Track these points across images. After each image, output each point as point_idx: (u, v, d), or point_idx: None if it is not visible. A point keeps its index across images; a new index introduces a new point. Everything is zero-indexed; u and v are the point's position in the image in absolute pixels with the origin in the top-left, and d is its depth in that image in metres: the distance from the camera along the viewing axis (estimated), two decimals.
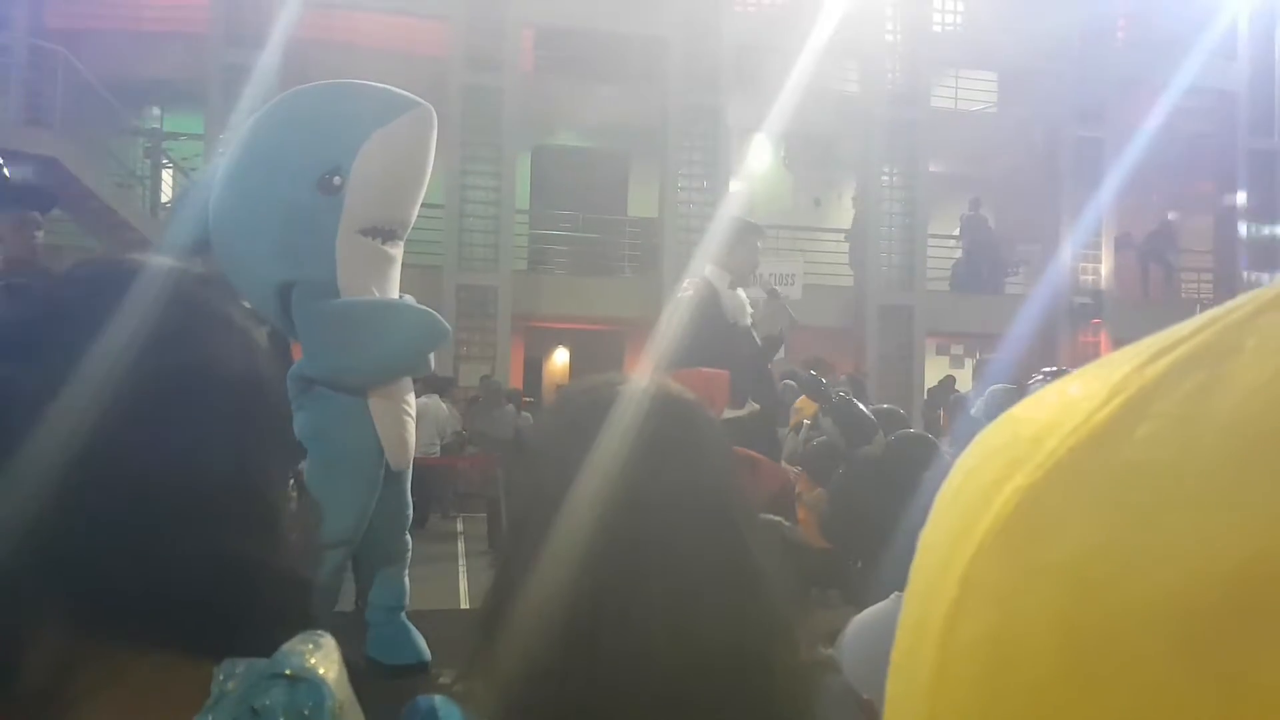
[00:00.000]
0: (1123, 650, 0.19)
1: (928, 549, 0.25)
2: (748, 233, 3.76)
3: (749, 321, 3.66)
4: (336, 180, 2.35)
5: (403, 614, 2.65)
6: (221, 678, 0.47)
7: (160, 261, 0.58)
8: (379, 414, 2.46)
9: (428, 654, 2.55)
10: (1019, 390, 6.54)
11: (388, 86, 2.50)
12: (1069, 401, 0.23)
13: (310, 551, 0.58)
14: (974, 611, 0.22)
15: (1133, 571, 0.19)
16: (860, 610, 1.63)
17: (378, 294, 2.47)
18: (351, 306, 2.41)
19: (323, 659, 0.50)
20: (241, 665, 0.48)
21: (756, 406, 3.51)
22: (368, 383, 2.44)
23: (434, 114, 2.49)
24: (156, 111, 12.96)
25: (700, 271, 3.68)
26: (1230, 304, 0.23)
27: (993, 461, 0.24)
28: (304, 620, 0.54)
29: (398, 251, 2.53)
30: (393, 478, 2.56)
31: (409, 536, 2.73)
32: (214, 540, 0.49)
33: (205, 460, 0.50)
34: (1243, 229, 14.11)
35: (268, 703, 0.46)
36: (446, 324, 2.61)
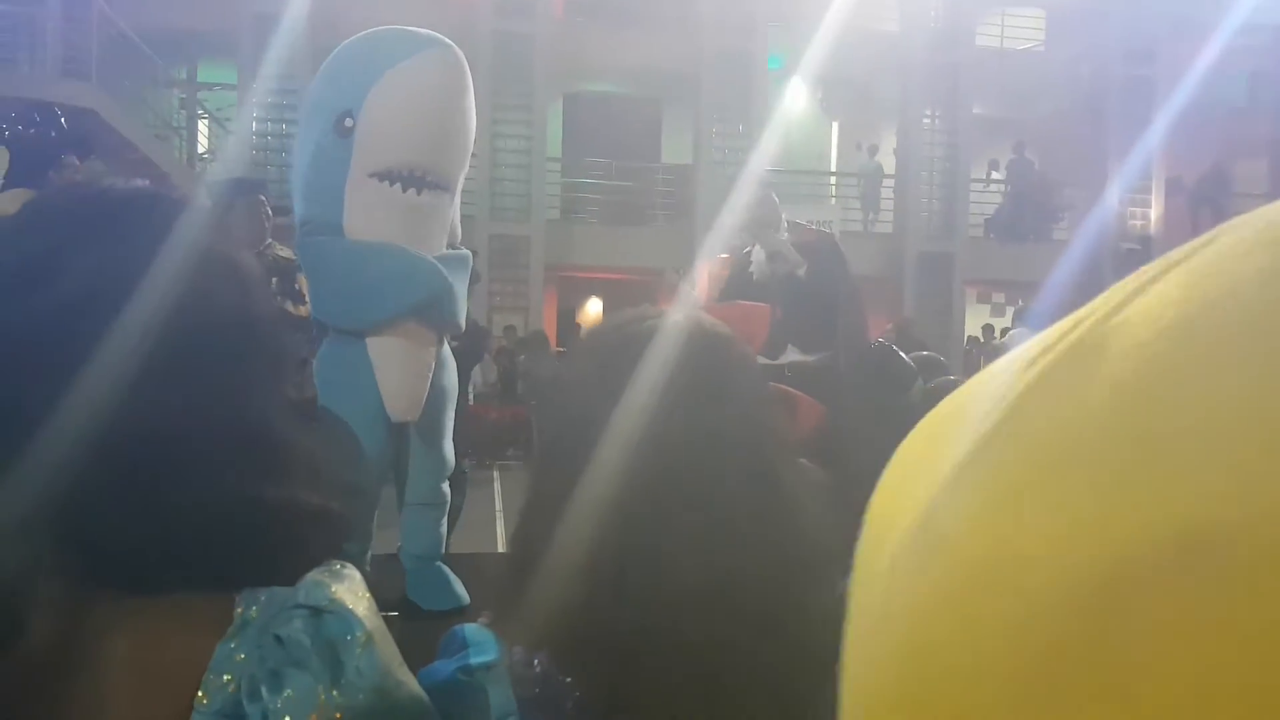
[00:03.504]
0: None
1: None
2: (762, 192, 3.75)
3: (784, 271, 3.61)
4: (349, 122, 2.33)
5: (438, 561, 2.66)
6: (243, 607, 0.47)
7: (173, 197, 0.57)
8: (381, 362, 2.42)
9: (466, 598, 2.57)
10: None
11: (415, 29, 2.44)
12: (957, 414, 0.24)
13: (334, 487, 0.57)
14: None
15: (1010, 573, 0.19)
16: None
17: (397, 243, 2.41)
18: (338, 245, 2.38)
19: (347, 590, 0.49)
20: (264, 594, 0.47)
21: (822, 353, 3.48)
22: (354, 325, 2.42)
23: (457, 53, 2.39)
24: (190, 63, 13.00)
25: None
26: (1094, 302, 0.23)
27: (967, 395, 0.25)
28: (330, 552, 0.53)
29: (430, 202, 2.43)
30: (411, 426, 2.55)
31: (445, 486, 2.73)
32: (219, 481, 0.49)
33: (206, 401, 0.49)
34: None
35: (291, 632, 0.46)
36: (445, 276, 2.48)
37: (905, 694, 0.21)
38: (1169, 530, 0.17)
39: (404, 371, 2.46)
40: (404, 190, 2.36)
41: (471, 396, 8.77)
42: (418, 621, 2.44)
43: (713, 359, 0.77)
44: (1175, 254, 0.23)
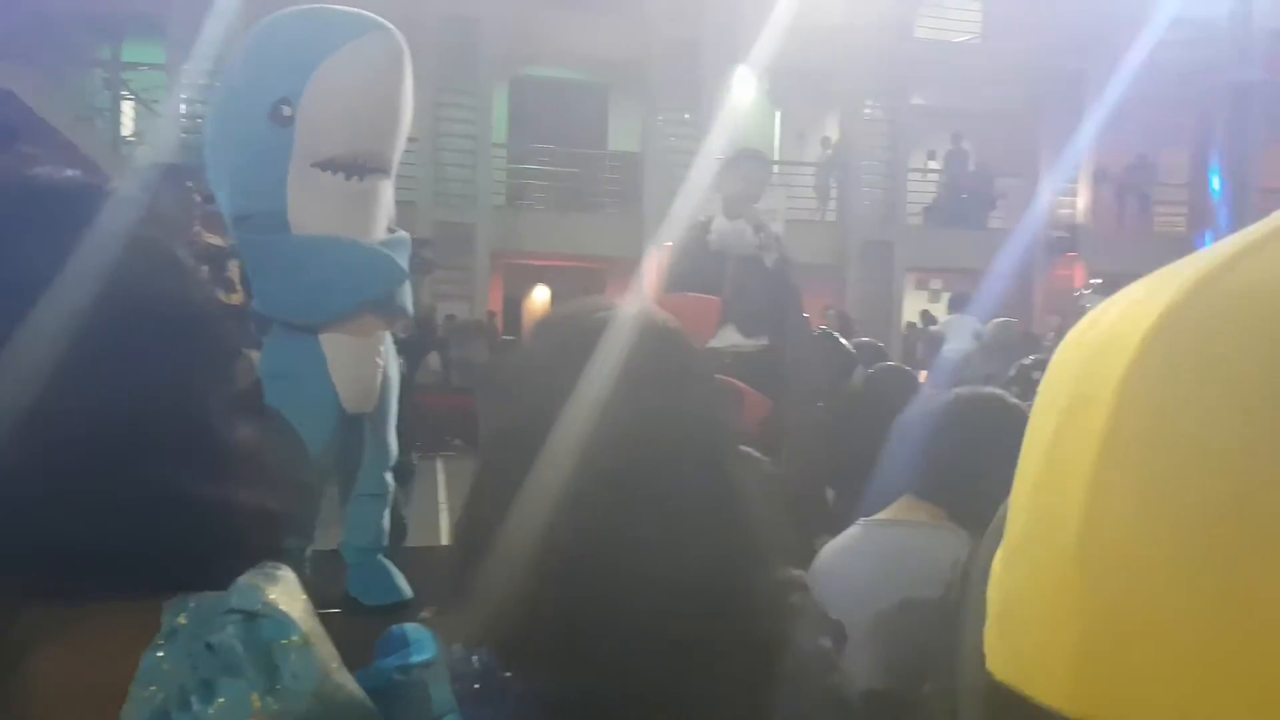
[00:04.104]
0: None
1: (1045, 407, 0.28)
2: (746, 161, 3.68)
3: (748, 253, 3.60)
4: (287, 110, 2.25)
5: (380, 554, 2.63)
6: (171, 614, 0.45)
7: (102, 185, 0.54)
8: (334, 354, 2.39)
9: (409, 592, 2.54)
10: (979, 322, 6.63)
11: (351, 10, 2.37)
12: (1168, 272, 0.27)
13: (275, 484, 0.55)
14: (1153, 370, 0.24)
15: None
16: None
17: (340, 231, 2.37)
18: (290, 241, 2.33)
19: (281, 592, 0.47)
20: (193, 600, 0.45)
21: (762, 341, 3.49)
22: (308, 320, 2.37)
23: (398, 37, 2.34)
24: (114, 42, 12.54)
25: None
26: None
27: (1111, 311, 0.27)
28: (267, 553, 0.52)
29: (372, 187, 2.40)
30: (361, 417, 2.51)
31: (388, 477, 2.70)
32: (154, 479, 0.47)
33: (141, 396, 0.47)
34: (1217, 161, 14.11)
35: (224, 638, 0.44)
36: (402, 266, 2.50)
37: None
38: None
39: (358, 362, 2.44)
40: (347, 178, 2.32)
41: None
42: (360, 618, 2.40)
43: (663, 351, 0.77)
44: None
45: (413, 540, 4.18)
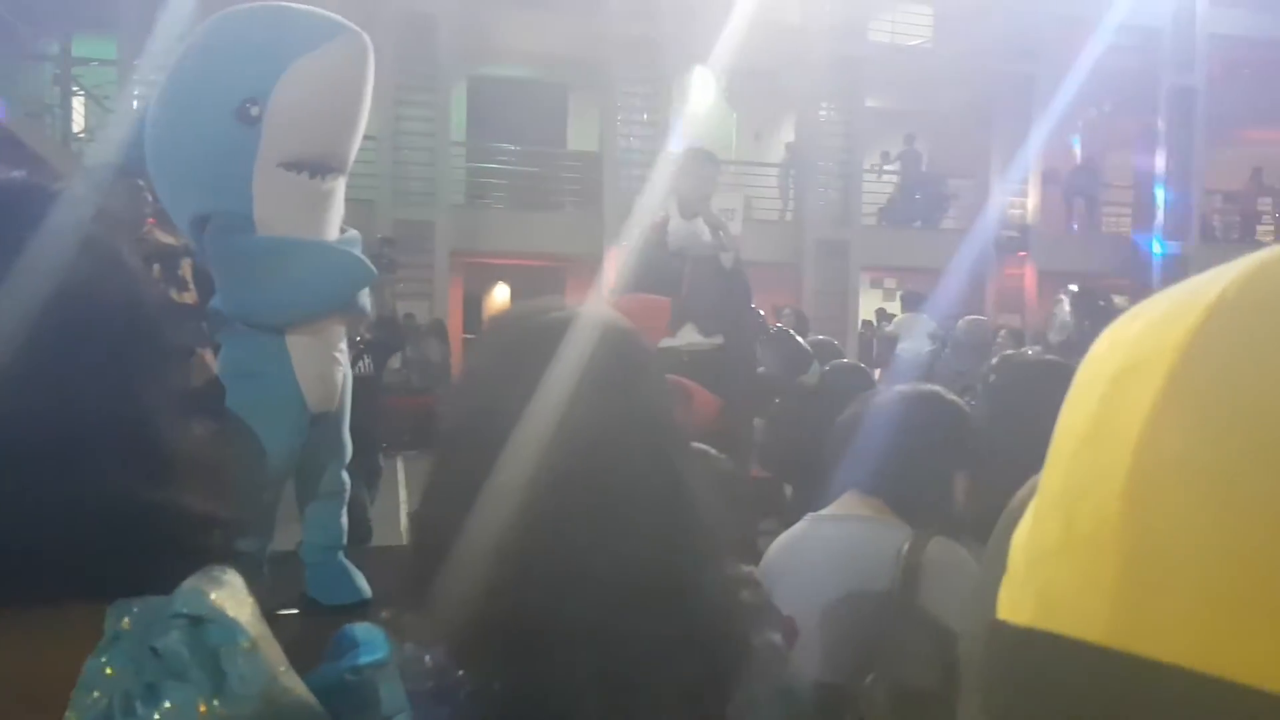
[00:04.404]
0: None
1: (1090, 379, 0.29)
2: (695, 160, 3.70)
3: (705, 253, 3.62)
4: (254, 110, 2.24)
5: (340, 553, 2.61)
6: (115, 617, 0.45)
7: (47, 186, 0.54)
8: (298, 354, 2.39)
9: (368, 591, 2.53)
10: (934, 320, 6.72)
11: (317, 10, 2.37)
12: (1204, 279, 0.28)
13: (223, 486, 0.55)
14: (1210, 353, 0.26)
15: None
16: None
17: (303, 231, 2.38)
18: (261, 243, 2.32)
19: (228, 596, 0.47)
20: (137, 604, 0.45)
21: (719, 339, 3.51)
22: (279, 322, 2.37)
23: (365, 40, 2.36)
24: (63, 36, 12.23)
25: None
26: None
27: (1168, 295, 0.29)
28: (214, 556, 0.52)
29: (333, 187, 2.42)
30: (323, 417, 2.50)
31: (345, 475, 2.68)
32: (92, 480, 0.46)
33: (79, 397, 0.47)
34: (1161, 164, 14.47)
35: (169, 643, 0.44)
36: (371, 268, 2.53)
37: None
38: None
39: (321, 362, 2.45)
40: (311, 178, 2.33)
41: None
42: (320, 618, 2.38)
43: (615, 352, 0.78)
44: None
45: (374, 540, 4.14)
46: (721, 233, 3.59)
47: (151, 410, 0.51)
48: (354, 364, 4.29)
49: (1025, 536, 0.30)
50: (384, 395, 4.68)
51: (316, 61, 2.26)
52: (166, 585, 0.47)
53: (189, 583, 0.48)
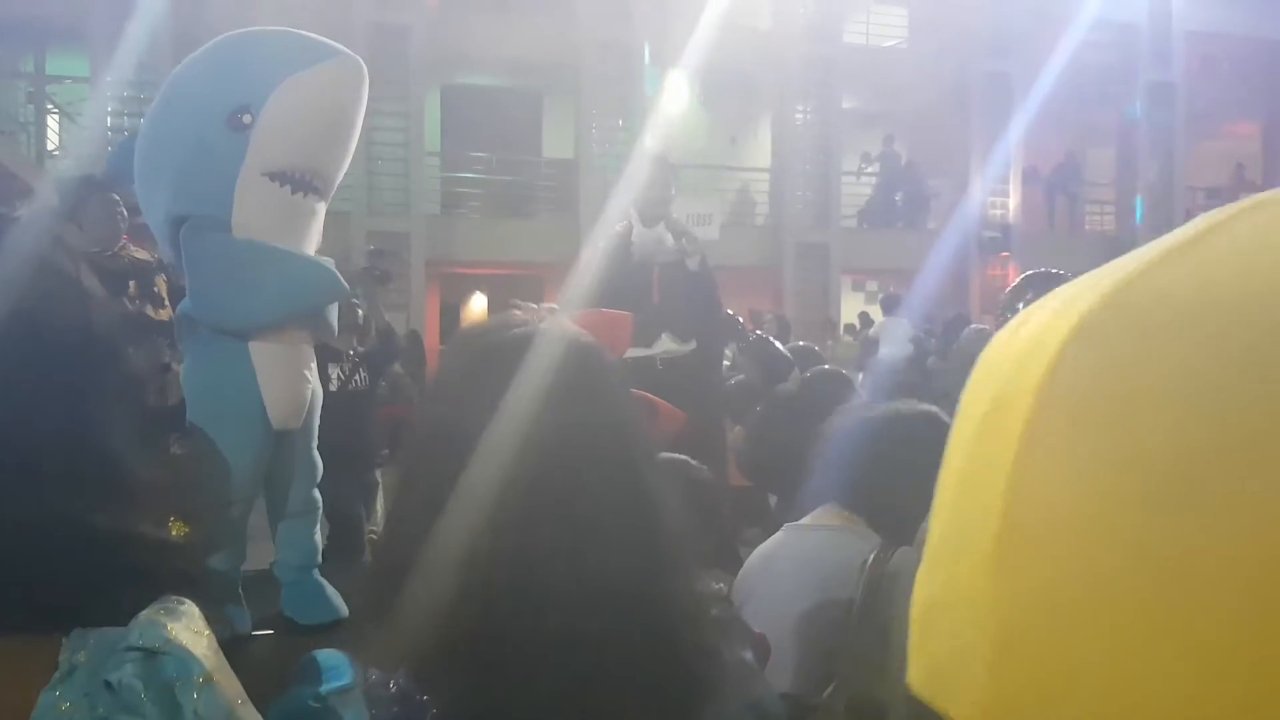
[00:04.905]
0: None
1: (968, 412, 0.28)
2: (654, 168, 3.70)
3: (671, 259, 3.61)
4: (246, 118, 2.29)
5: (314, 571, 2.59)
6: (70, 650, 0.44)
7: (4, 213, 0.54)
8: (263, 367, 2.38)
9: (344, 610, 2.50)
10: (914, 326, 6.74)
11: (317, 36, 2.44)
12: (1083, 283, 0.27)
13: (185, 513, 0.55)
14: (1078, 362, 0.24)
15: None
16: None
17: (279, 243, 2.39)
18: (235, 243, 2.33)
19: (184, 628, 0.47)
20: (94, 636, 0.45)
21: (692, 345, 3.50)
22: (245, 325, 2.36)
23: (361, 66, 2.41)
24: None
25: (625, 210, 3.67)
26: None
27: (1035, 317, 0.27)
28: (173, 585, 0.51)
29: (314, 208, 2.45)
30: (287, 435, 2.48)
31: (317, 494, 2.66)
32: (42, 508, 0.46)
33: (30, 424, 0.47)
34: (1141, 160, 14.60)
35: (123, 676, 0.44)
36: (343, 283, 2.51)
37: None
38: None
39: (287, 376, 2.43)
40: (293, 192, 2.35)
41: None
42: (296, 638, 2.36)
43: (578, 367, 0.78)
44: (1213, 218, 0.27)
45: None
46: (684, 238, 3.60)
47: (108, 437, 0.51)
48: (349, 378, 4.26)
49: (920, 582, 0.28)
50: (379, 409, 4.63)
51: (311, 78, 2.32)
52: (124, 616, 0.47)
53: (145, 614, 0.47)
